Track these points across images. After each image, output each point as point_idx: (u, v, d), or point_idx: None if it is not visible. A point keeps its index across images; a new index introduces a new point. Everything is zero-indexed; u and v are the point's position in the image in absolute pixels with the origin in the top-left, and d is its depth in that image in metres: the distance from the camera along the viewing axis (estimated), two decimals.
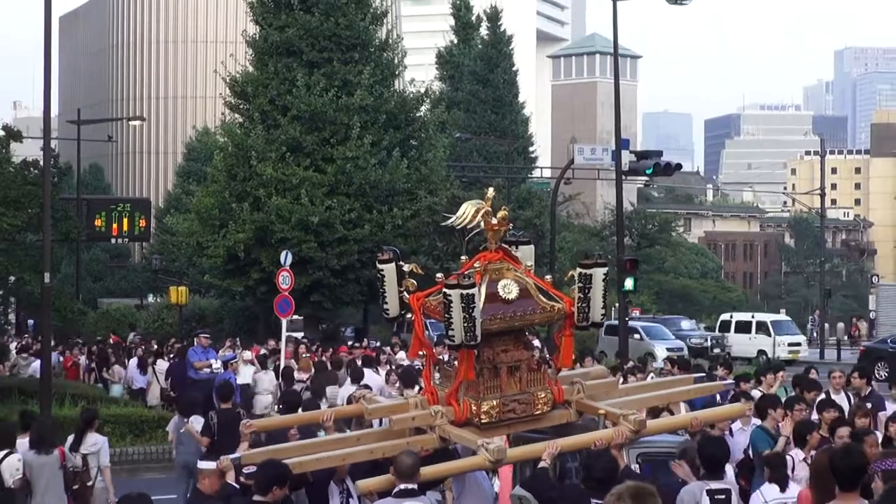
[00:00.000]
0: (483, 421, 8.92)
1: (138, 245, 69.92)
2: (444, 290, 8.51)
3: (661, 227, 68.63)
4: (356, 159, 36.49)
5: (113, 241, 50.07)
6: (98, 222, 44.53)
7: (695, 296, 76.44)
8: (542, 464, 8.65)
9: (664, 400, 10.60)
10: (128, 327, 42.16)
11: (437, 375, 9.40)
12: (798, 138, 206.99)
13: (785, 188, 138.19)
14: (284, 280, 23.55)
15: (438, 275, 8.92)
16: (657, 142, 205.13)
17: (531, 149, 62.66)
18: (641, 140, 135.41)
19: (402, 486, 8.21)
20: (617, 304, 35.90)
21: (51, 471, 11.54)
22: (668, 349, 39.23)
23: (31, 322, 48.54)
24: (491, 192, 9.33)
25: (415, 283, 9.29)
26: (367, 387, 14.03)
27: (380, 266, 9.29)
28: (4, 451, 11.24)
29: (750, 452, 11.63)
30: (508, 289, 8.94)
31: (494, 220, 9.10)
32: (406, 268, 9.29)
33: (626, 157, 33.26)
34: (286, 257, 24.51)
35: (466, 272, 8.85)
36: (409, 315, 9.27)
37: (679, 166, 35.14)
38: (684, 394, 10.61)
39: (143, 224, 46.05)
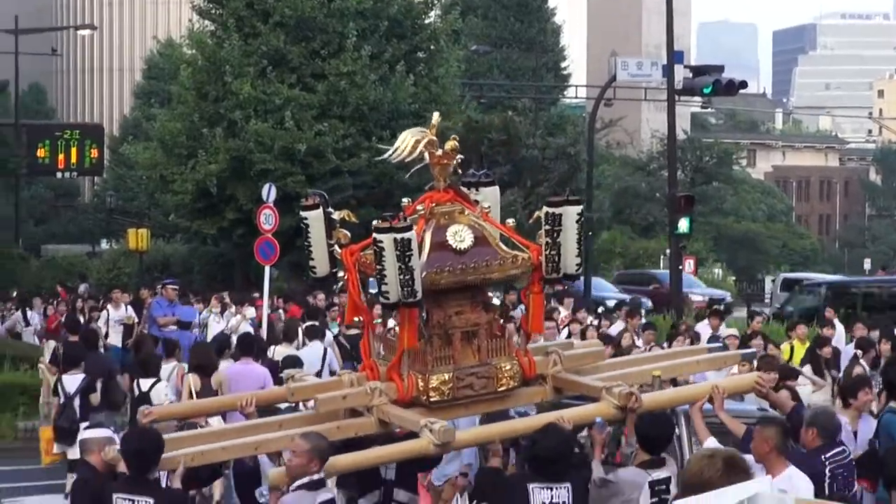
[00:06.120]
0: (433, 399, 8.64)
1: (89, 180, 70.08)
2: (375, 235, 8.24)
3: (720, 160, 68.63)
4: (352, 75, 36.42)
5: (59, 175, 50.10)
6: (41, 153, 44.59)
7: (760, 242, 76.47)
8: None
9: (665, 374, 10.31)
10: (78, 278, 42.33)
11: (378, 346, 9.18)
12: (887, 53, 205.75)
13: (870, 114, 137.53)
14: (267, 219, 23.44)
15: (375, 221, 8.52)
16: (715, 57, 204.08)
17: (563, 64, 62.52)
18: (696, 56, 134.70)
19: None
20: (667, 252, 35.73)
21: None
22: None
23: None
24: (437, 117, 9.02)
25: (347, 234, 9.04)
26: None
27: (303, 214, 9.09)
28: (153, 380, 14.75)
29: (877, 444, 10.94)
30: (460, 236, 8.67)
31: (440, 152, 8.83)
32: (336, 216, 9.07)
33: (680, 74, 33.20)
34: (269, 192, 24.44)
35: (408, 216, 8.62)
36: (341, 273, 9.02)
37: (744, 84, 35.12)
38: (689, 366, 10.29)
39: (95, 155, 46.09)
